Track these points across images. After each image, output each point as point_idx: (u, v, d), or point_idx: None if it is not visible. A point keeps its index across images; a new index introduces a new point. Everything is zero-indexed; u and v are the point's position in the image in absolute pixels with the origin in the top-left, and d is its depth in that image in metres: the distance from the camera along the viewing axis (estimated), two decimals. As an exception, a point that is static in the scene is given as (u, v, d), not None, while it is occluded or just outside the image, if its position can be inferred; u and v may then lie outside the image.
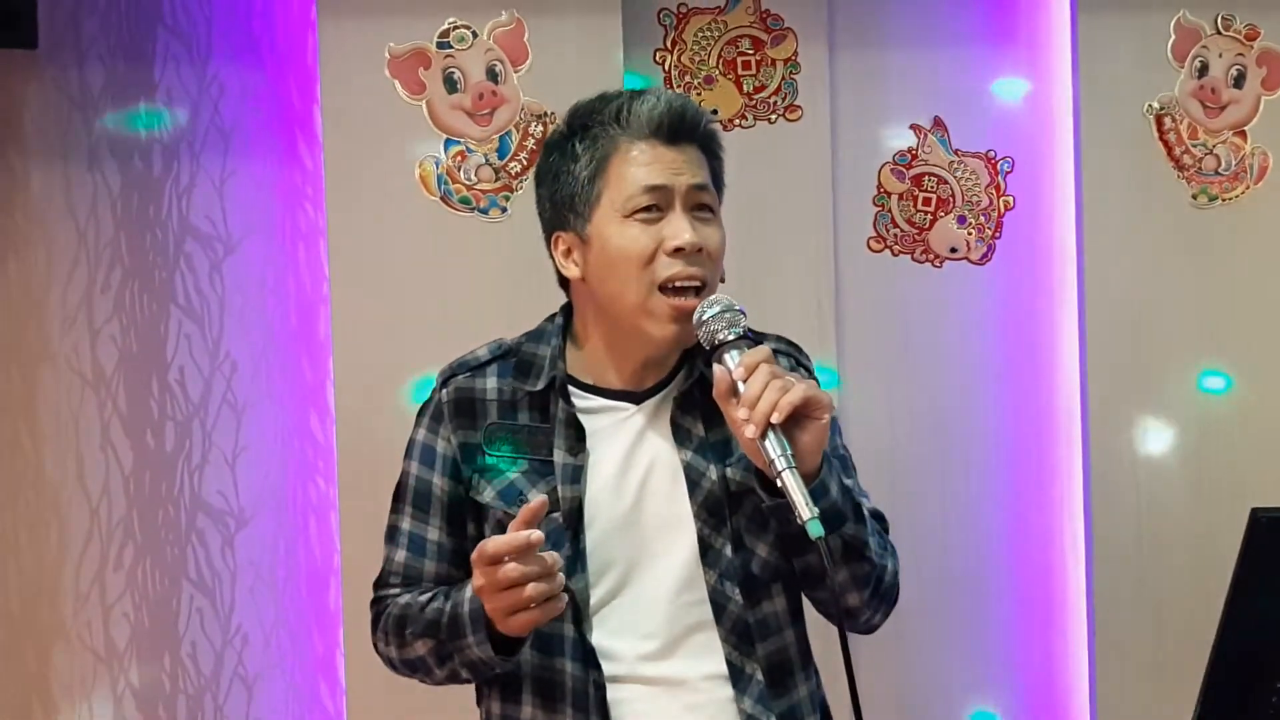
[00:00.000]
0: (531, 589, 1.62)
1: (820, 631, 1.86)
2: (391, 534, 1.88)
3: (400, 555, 1.86)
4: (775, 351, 1.72)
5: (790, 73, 3.21)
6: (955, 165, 3.30)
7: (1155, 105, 3.22)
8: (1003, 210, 3.32)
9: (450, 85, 3.04)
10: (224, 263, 3.20)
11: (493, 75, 3.04)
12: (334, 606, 3.18)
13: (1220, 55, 3.23)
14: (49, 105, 3.13)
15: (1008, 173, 3.31)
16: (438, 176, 3.04)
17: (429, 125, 3.03)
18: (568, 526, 1.78)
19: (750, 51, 3.21)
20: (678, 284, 1.76)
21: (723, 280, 1.83)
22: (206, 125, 3.18)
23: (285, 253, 3.21)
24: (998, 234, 3.32)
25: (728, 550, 1.79)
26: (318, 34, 3.02)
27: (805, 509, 1.58)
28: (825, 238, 3.20)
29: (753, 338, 1.74)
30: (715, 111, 3.16)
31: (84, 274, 3.15)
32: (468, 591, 1.71)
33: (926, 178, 3.30)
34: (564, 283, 1.89)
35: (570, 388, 1.83)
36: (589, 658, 1.77)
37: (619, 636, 1.78)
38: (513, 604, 1.63)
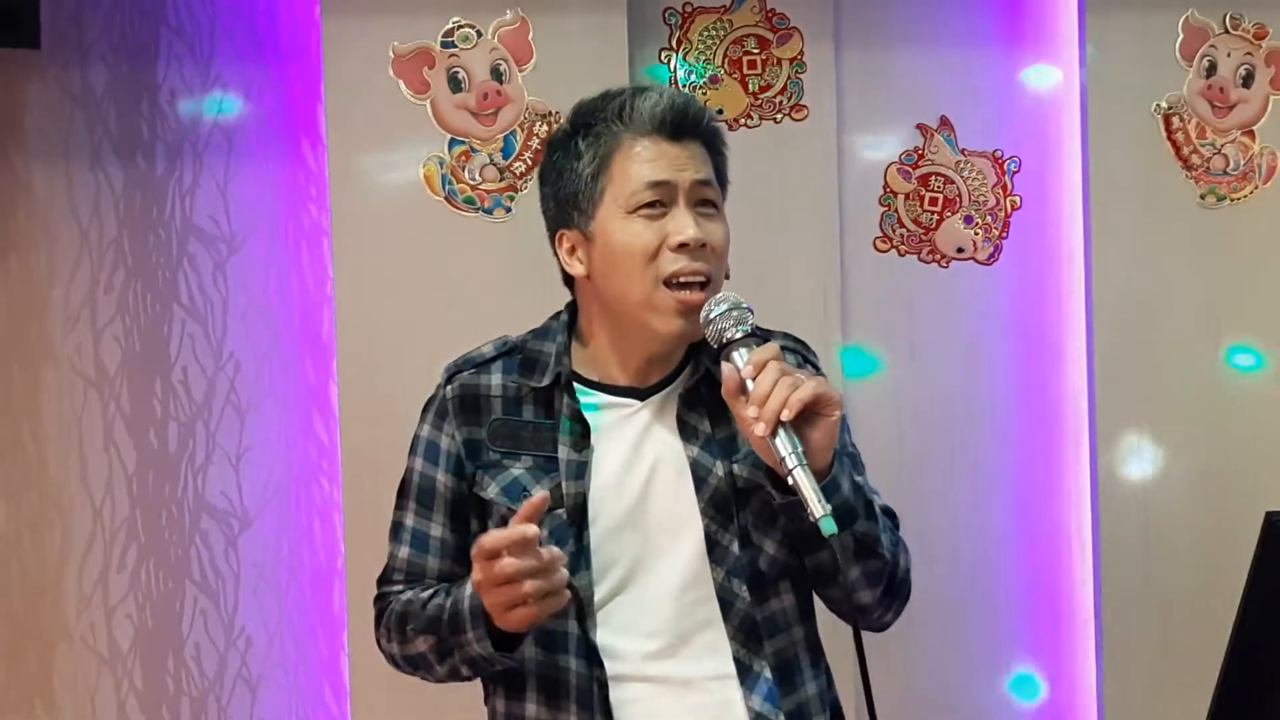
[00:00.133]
0: (529, 585, 1.60)
1: (831, 630, 1.85)
2: (395, 530, 1.87)
3: (404, 552, 1.85)
4: (783, 349, 1.70)
5: (796, 72, 3.20)
6: (962, 165, 3.29)
7: (1163, 105, 3.21)
8: (1010, 210, 3.31)
9: (455, 85, 3.03)
10: (227, 263, 3.19)
11: (497, 75, 3.03)
12: (338, 608, 3.17)
13: (1229, 54, 3.22)
14: (51, 105, 3.13)
15: (1015, 172, 3.30)
16: (442, 176, 3.03)
17: (433, 125, 3.03)
18: (571, 523, 1.76)
19: (756, 51, 3.20)
20: (682, 279, 1.75)
21: (728, 277, 1.82)
22: (210, 125, 3.18)
23: (289, 253, 3.21)
24: (1005, 234, 3.31)
25: (735, 547, 1.78)
26: (321, 33, 3.02)
27: (818, 506, 1.57)
28: (831, 238, 3.19)
29: (760, 335, 1.73)
30: (720, 111, 3.15)
31: (87, 274, 3.15)
32: (468, 588, 1.70)
33: (933, 177, 3.29)
34: (569, 281, 1.88)
35: (575, 384, 1.82)
36: (592, 655, 1.76)
37: (623, 634, 1.77)
38: (510, 599, 1.62)
